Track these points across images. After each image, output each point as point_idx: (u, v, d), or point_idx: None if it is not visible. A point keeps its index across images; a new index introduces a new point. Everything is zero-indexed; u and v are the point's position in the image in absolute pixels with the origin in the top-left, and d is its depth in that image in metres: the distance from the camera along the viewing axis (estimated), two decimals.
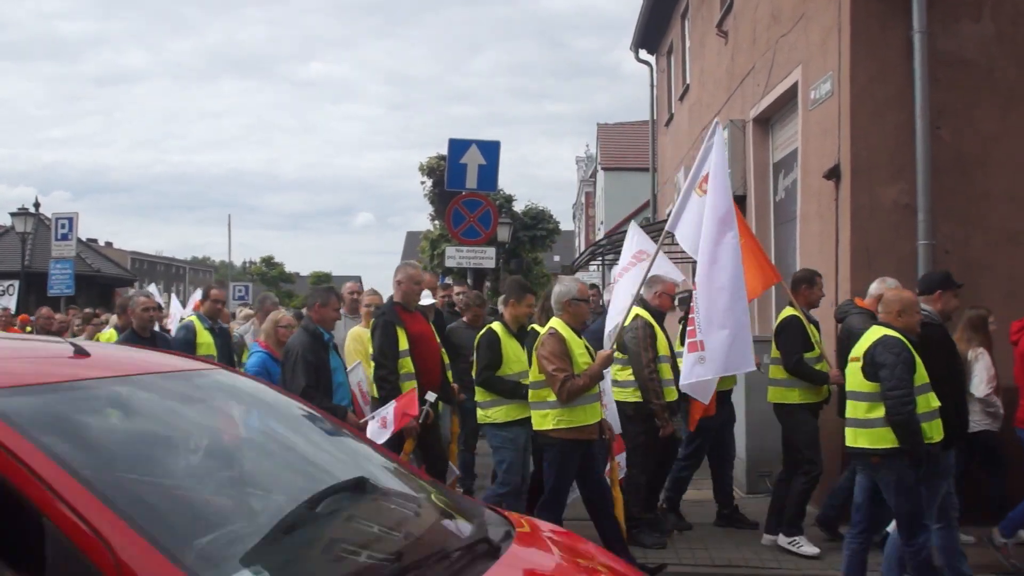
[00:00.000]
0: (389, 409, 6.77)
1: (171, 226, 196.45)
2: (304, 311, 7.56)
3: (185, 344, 7.73)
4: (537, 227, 36.87)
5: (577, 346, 6.43)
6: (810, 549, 7.06)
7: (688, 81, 16.99)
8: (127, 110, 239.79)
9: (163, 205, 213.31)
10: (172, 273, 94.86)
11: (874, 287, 6.90)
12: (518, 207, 36.22)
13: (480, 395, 7.18)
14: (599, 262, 18.44)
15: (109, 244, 73.93)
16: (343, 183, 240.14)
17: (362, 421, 6.94)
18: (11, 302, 18.43)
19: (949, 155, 8.28)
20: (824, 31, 9.08)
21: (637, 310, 7.34)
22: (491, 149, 11.50)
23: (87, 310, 11.03)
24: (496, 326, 7.22)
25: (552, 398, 6.32)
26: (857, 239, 8.33)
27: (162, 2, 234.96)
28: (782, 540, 7.23)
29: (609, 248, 17.94)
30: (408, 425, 6.70)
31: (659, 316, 7.57)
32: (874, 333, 5.71)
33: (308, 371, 6.55)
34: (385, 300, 7.97)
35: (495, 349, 7.05)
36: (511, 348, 7.12)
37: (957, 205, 8.24)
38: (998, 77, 8.38)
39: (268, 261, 72.65)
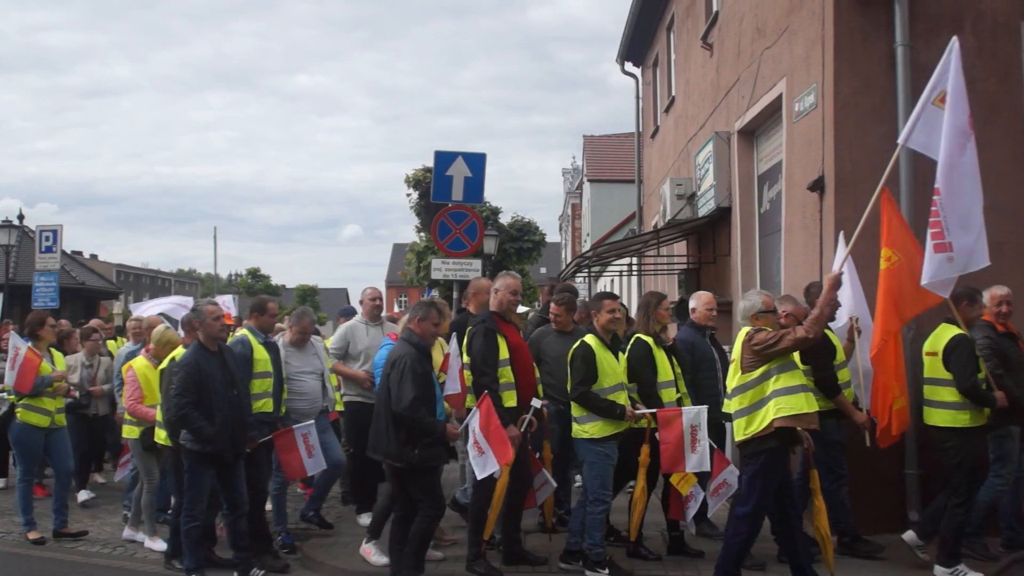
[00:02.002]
0: (474, 427, 6.81)
1: (157, 239, 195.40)
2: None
3: (243, 360, 7.60)
4: (524, 239, 36.98)
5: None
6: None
7: (673, 93, 17.05)
8: (113, 122, 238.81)
9: (149, 217, 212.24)
10: (158, 285, 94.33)
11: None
12: (504, 219, 36.34)
13: (576, 409, 7.07)
14: (585, 274, 18.44)
15: (94, 256, 73.45)
16: (330, 196, 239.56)
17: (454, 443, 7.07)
18: None
19: (932, 167, 8.29)
20: (808, 44, 9.14)
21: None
22: (477, 161, 11.47)
23: (84, 324, 10.86)
24: (590, 339, 7.17)
25: (752, 399, 6.27)
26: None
27: (148, 15, 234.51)
28: (939, 572, 6.92)
29: (595, 260, 17.94)
30: (511, 435, 6.79)
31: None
32: None
33: (417, 382, 6.49)
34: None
35: (590, 363, 6.96)
36: (606, 361, 7.04)
37: None
38: (979, 89, 8.43)
39: (254, 273, 72.56)
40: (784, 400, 6.18)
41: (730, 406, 6.51)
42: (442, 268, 11.97)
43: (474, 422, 6.83)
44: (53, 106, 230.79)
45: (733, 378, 6.51)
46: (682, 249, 15.78)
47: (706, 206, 13.06)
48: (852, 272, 7.57)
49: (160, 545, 8.07)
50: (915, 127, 6.97)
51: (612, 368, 7.06)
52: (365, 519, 8.62)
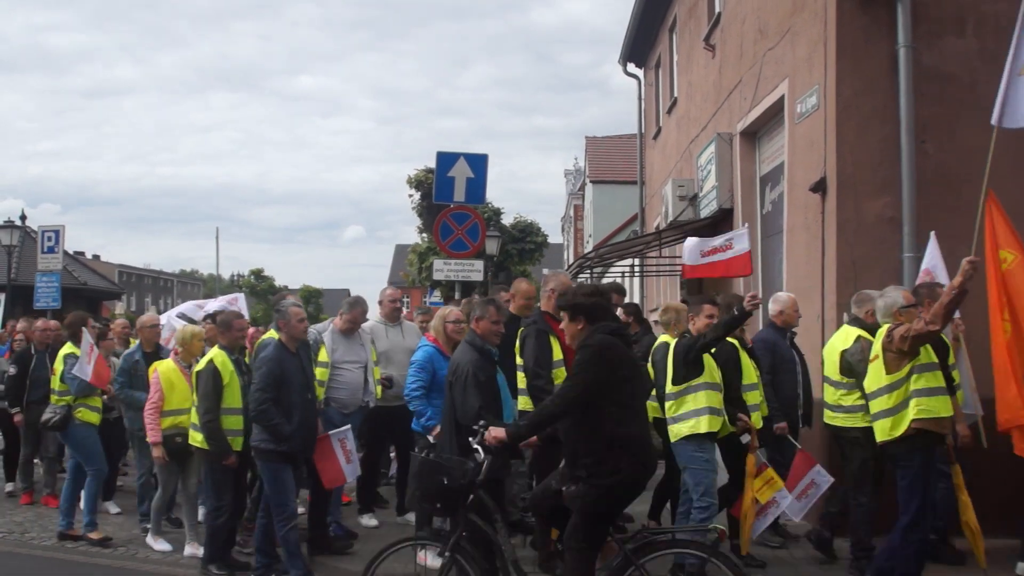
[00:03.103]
0: None
1: (160, 239, 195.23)
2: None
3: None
4: (526, 240, 36.95)
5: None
6: None
7: (676, 94, 17.05)
8: (116, 123, 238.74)
9: (152, 218, 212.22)
10: (160, 286, 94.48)
11: None
12: (507, 220, 36.31)
13: (673, 408, 6.82)
14: (587, 274, 18.44)
15: (96, 257, 73.55)
16: (333, 197, 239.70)
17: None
18: None
19: (933, 169, 8.34)
20: (810, 45, 9.14)
21: (856, 330, 7.08)
22: (479, 162, 11.50)
23: (95, 324, 10.67)
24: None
25: (898, 399, 6.17)
26: (843, 252, 8.37)
27: (152, 16, 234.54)
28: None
29: (597, 261, 17.94)
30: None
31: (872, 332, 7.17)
32: None
33: (481, 391, 6.19)
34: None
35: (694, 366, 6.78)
36: (711, 362, 6.95)
37: (941, 218, 8.27)
38: (981, 92, 8.41)
39: (257, 274, 72.47)
40: (925, 402, 6.10)
41: (873, 406, 6.41)
42: (444, 269, 12.00)
43: None
44: (56, 107, 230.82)
45: (876, 378, 6.41)
46: None
47: (708, 207, 13.05)
48: (942, 271, 7.44)
49: (163, 546, 8.01)
50: (1005, 104, 6.74)
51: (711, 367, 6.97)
52: (368, 519, 8.60)
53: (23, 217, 23.50)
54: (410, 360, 7.60)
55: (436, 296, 28.54)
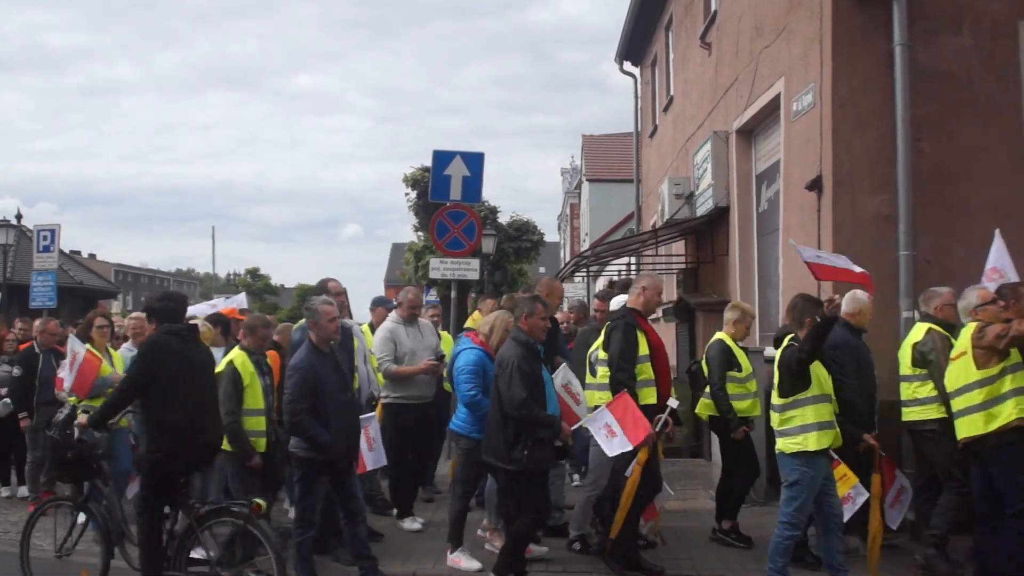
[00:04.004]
0: (607, 417, 6.70)
1: (157, 238, 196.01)
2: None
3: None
4: (522, 238, 36.94)
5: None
6: None
7: (672, 92, 17.04)
8: (115, 122, 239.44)
9: (149, 217, 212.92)
10: (156, 285, 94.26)
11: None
12: (503, 218, 36.31)
13: (779, 421, 6.42)
14: (583, 273, 18.44)
15: (93, 256, 73.43)
16: (330, 196, 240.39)
17: (576, 426, 6.87)
18: None
19: (930, 167, 8.34)
20: (806, 43, 9.13)
21: (927, 324, 7.12)
22: (475, 160, 11.48)
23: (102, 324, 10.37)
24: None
25: (989, 395, 6.24)
26: (839, 250, 8.32)
27: (150, 15, 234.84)
28: None
29: (593, 260, 17.93)
30: (647, 435, 6.66)
31: (949, 328, 7.13)
32: None
33: (525, 382, 6.33)
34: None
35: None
36: (820, 372, 6.85)
37: (938, 216, 8.29)
38: (978, 90, 8.45)
39: (254, 273, 72.28)
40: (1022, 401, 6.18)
41: (959, 402, 6.43)
42: (440, 267, 11.98)
43: (606, 414, 6.71)
44: (54, 106, 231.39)
45: (961, 374, 6.44)
46: (680, 249, 15.76)
47: (704, 205, 13.05)
48: (1011, 269, 7.39)
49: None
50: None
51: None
52: (409, 523, 8.48)
53: (19, 216, 23.37)
54: (458, 368, 7.36)
55: (432, 295, 28.52)
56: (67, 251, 35.60)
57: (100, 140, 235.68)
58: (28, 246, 24.31)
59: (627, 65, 20.87)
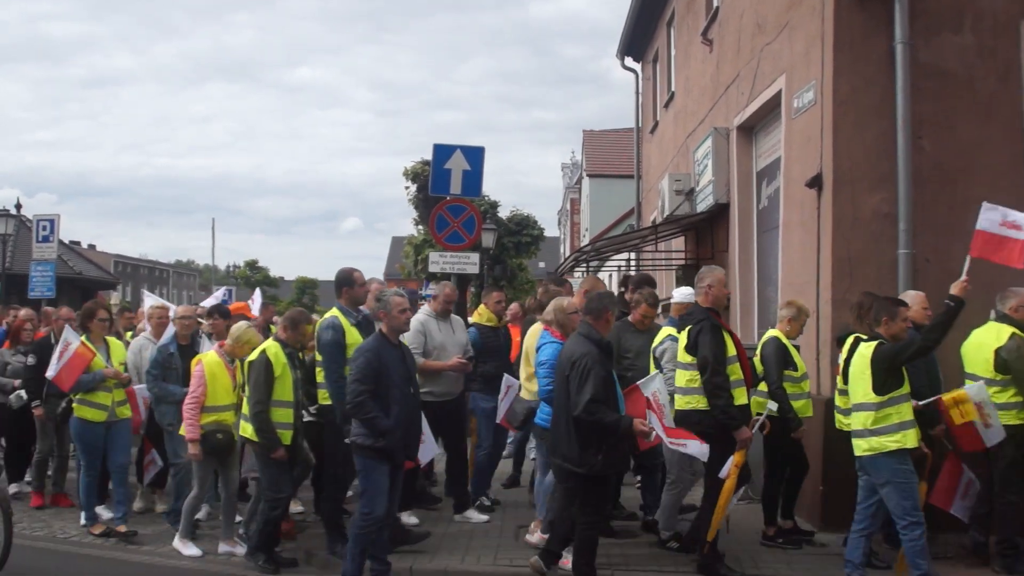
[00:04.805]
0: (658, 428, 6.55)
1: (156, 230, 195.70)
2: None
3: (335, 346, 7.40)
4: (522, 233, 36.86)
5: None
6: None
7: (673, 89, 17.02)
8: (114, 113, 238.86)
9: (148, 209, 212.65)
10: (155, 276, 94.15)
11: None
12: (503, 213, 36.23)
13: (873, 420, 6.28)
14: (583, 268, 18.44)
15: (92, 247, 73.25)
16: (330, 189, 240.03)
17: (653, 435, 6.61)
18: None
19: (930, 165, 8.34)
20: (808, 40, 9.13)
21: (1008, 327, 6.99)
22: (475, 154, 11.46)
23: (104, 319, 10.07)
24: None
25: None
26: (839, 248, 8.37)
27: (149, 6, 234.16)
28: None
29: (593, 255, 17.93)
30: (742, 436, 6.60)
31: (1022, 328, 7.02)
32: None
33: (598, 384, 6.21)
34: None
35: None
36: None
37: (938, 215, 8.29)
38: (978, 88, 8.45)
39: (252, 265, 72.27)
40: None
41: None
42: (439, 261, 11.96)
43: (658, 425, 6.58)
44: (53, 96, 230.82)
45: None
46: (680, 245, 15.77)
47: (704, 202, 13.04)
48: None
49: (192, 550, 7.64)
50: None
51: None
52: (470, 515, 8.48)
53: (18, 206, 23.43)
54: (539, 361, 7.20)
55: (431, 289, 28.46)
56: (67, 242, 35.63)
57: (99, 131, 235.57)
58: (27, 236, 24.30)
59: (628, 61, 20.88)
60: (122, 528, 8.13)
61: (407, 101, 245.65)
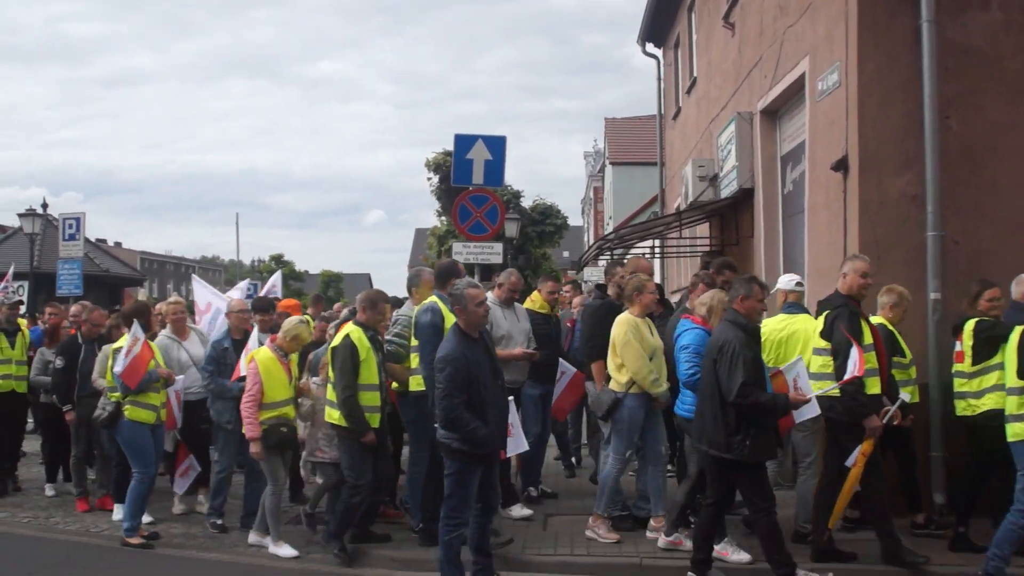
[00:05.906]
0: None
1: (181, 226, 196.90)
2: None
3: (434, 329, 7.28)
4: (545, 222, 36.81)
5: None
6: None
7: (695, 74, 16.91)
8: (136, 112, 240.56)
9: (173, 205, 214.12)
10: (181, 272, 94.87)
11: None
12: (526, 203, 36.20)
13: (1016, 405, 6.23)
14: (607, 257, 18.34)
15: (119, 244, 74.00)
16: (352, 182, 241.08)
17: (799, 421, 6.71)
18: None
19: (957, 145, 8.21)
20: (831, 21, 9.00)
21: None
22: (497, 144, 11.42)
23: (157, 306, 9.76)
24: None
25: None
26: (865, 231, 8.26)
27: (168, 4, 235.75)
28: None
29: (617, 243, 17.85)
30: (872, 425, 6.56)
31: None
32: None
33: (747, 368, 6.17)
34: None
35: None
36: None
37: (966, 195, 8.18)
38: (1007, 66, 8.30)
39: (278, 259, 72.64)
40: None
41: None
42: (463, 252, 11.94)
43: None
44: (76, 96, 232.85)
45: None
46: (704, 231, 15.67)
47: (729, 187, 12.94)
48: None
49: (287, 551, 7.49)
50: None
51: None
52: (518, 510, 8.34)
53: (44, 205, 23.62)
54: (680, 346, 7.13)
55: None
56: (93, 239, 35.93)
57: (122, 129, 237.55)
58: (54, 235, 24.54)
59: (649, 47, 20.75)
60: (135, 540, 7.89)
61: (427, 93, 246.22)
